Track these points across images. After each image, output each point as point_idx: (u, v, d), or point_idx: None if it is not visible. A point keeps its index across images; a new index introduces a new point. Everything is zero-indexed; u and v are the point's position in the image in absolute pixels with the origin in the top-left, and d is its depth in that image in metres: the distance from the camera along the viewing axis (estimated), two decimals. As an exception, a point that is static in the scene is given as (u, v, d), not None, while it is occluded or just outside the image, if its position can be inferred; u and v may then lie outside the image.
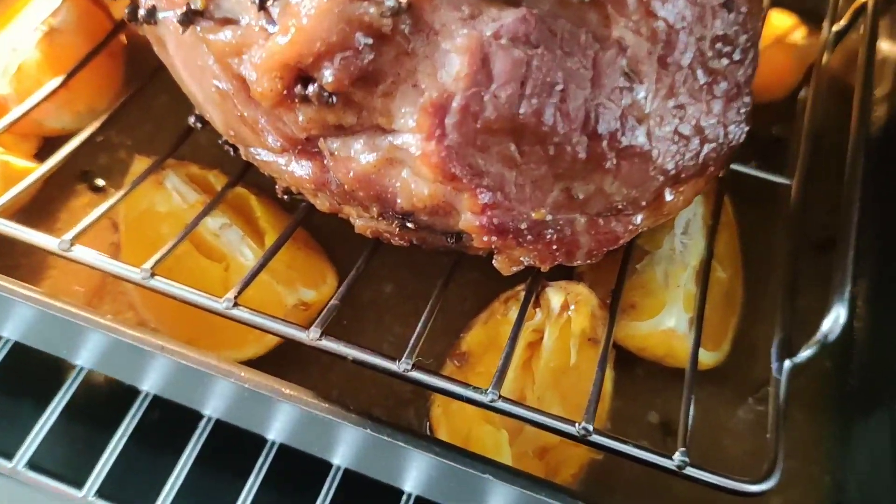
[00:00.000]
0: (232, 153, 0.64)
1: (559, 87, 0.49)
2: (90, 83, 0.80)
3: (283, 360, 0.69)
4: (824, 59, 0.83)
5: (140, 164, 0.73)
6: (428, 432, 0.68)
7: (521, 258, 0.58)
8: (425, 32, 0.49)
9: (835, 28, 0.86)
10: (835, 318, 0.60)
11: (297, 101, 0.53)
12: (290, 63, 0.50)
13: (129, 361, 0.65)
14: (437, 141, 0.50)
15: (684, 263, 0.71)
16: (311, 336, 0.60)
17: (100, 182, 0.80)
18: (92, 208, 0.67)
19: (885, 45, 0.89)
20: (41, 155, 0.78)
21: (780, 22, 0.93)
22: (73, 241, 0.63)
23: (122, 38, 0.86)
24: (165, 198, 0.70)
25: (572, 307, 0.66)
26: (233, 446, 0.68)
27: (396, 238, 0.62)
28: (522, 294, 0.70)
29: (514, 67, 0.48)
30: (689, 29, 0.50)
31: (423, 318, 0.62)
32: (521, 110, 0.49)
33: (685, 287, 0.69)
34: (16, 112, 0.72)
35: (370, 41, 0.49)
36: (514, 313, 0.69)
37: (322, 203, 0.62)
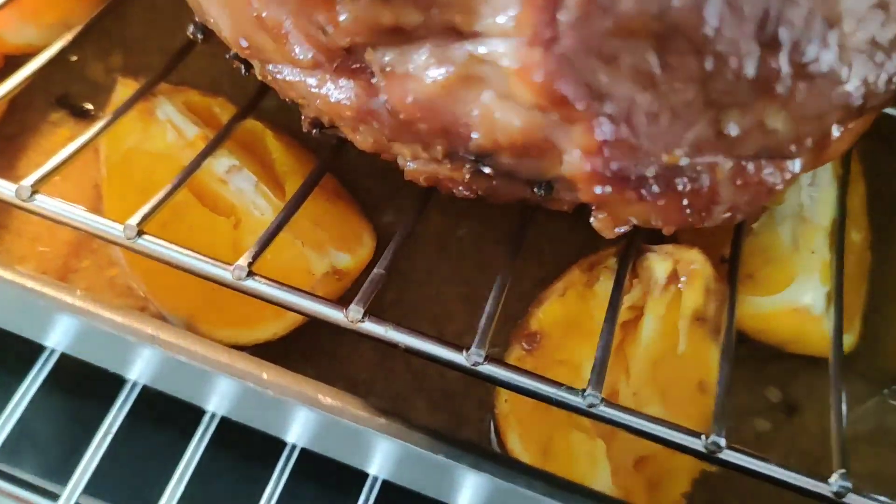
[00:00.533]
0: (243, 72, 0.49)
1: (733, -33, 0.33)
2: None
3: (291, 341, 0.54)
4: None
5: (124, 88, 0.58)
6: (493, 436, 0.54)
7: (632, 217, 0.43)
8: None
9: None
10: None
11: (338, -8, 0.37)
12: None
13: (111, 350, 0.50)
14: (545, 47, 0.35)
15: (815, 223, 0.56)
16: (351, 317, 0.45)
17: (87, 105, 0.64)
18: (65, 140, 0.53)
19: None
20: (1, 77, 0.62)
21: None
22: (34, 188, 0.47)
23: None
24: (158, 133, 0.54)
25: (683, 279, 0.52)
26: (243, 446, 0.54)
27: (462, 188, 0.47)
28: (611, 259, 0.55)
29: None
30: None
31: (491, 296, 0.47)
32: (675, 2, 0.33)
33: (820, 253, 0.54)
34: (-36, 21, 0.56)
35: None
36: (601, 285, 0.54)
37: (364, 139, 0.46)
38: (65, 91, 0.65)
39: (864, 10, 0.37)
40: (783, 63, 0.36)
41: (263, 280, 0.46)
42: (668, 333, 0.52)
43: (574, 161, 0.39)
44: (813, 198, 0.57)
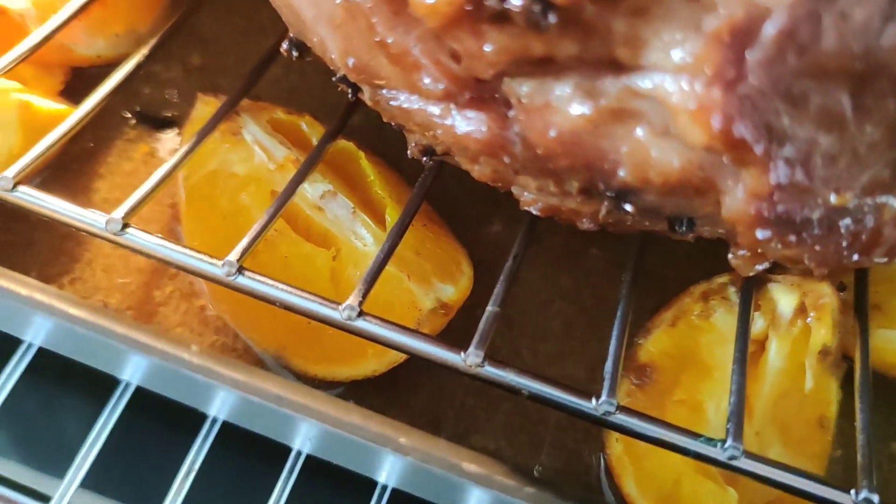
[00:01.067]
0: (350, 95, 0.45)
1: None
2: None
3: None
4: None
5: (205, 106, 0.54)
6: (604, 478, 0.51)
7: (783, 258, 0.40)
8: None
9: None
10: None
11: (487, 20, 0.34)
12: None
13: (190, 387, 0.47)
14: (727, 88, 0.31)
15: (943, 249, 0.52)
16: (470, 362, 0.42)
17: (167, 114, 0.61)
18: (145, 157, 0.49)
19: None
20: (68, 92, 0.59)
21: None
22: (126, 220, 0.44)
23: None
24: (244, 155, 0.51)
25: (812, 314, 0.48)
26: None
27: (587, 219, 0.44)
28: (728, 289, 0.52)
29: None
30: None
31: (614, 334, 0.45)
32: (884, 40, 0.30)
33: (952, 283, 0.51)
34: (37, 35, 0.53)
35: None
36: (719, 317, 0.51)
37: (483, 170, 0.43)
38: (142, 100, 0.61)
39: None
40: None
41: (374, 320, 0.43)
42: (792, 370, 0.49)
43: (737, 204, 0.36)
44: (937, 221, 0.53)
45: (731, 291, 0.51)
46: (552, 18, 0.33)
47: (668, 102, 0.33)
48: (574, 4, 0.31)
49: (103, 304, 0.52)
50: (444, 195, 0.57)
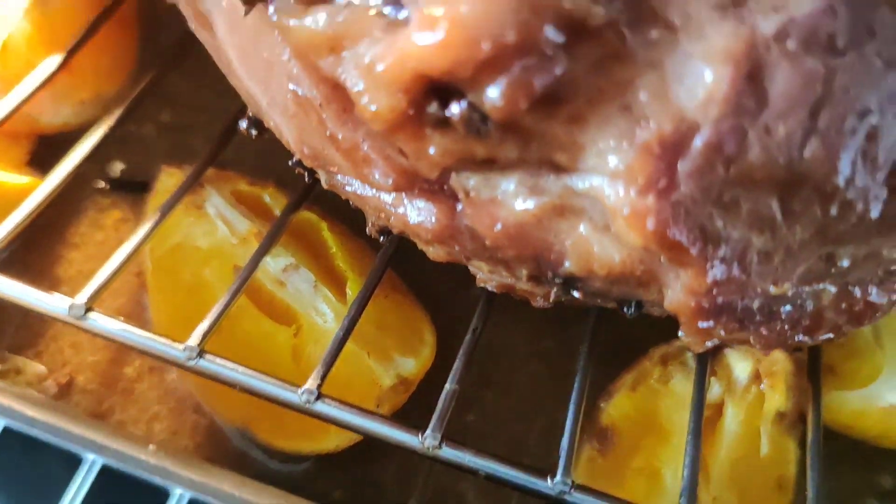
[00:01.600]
0: (307, 178, 0.46)
1: (872, 119, 0.31)
2: (96, 63, 0.61)
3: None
4: None
5: (168, 178, 0.55)
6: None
7: (733, 337, 0.41)
8: (654, 27, 0.30)
9: None
10: None
11: (429, 126, 0.35)
12: (432, 73, 0.31)
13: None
14: (659, 195, 0.32)
15: (896, 312, 0.53)
16: (427, 444, 0.43)
17: (138, 178, 0.61)
18: (117, 224, 0.50)
19: None
20: (36, 161, 0.60)
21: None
22: (89, 303, 0.45)
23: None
24: (207, 228, 0.52)
25: (765, 380, 0.49)
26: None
27: (540, 299, 0.44)
28: (685, 354, 0.53)
29: (804, 87, 0.30)
30: None
31: (571, 409, 0.45)
32: (807, 153, 0.31)
33: (905, 346, 0.52)
34: (3, 106, 0.53)
35: (563, 39, 0.30)
36: (677, 382, 0.52)
37: (437, 253, 0.44)
38: (111, 166, 0.62)
39: None
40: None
41: (333, 403, 0.43)
42: (749, 434, 0.50)
43: (678, 297, 0.37)
44: (891, 282, 0.54)
45: (689, 356, 0.52)
46: (492, 126, 0.33)
47: (607, 204, 0.34)
48: (509, 117, 0.32)
49: (71, 379, 0.52)
50: (410, 258, 0.58)
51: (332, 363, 0.44)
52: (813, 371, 0.49)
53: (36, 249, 0.58)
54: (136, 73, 0.64)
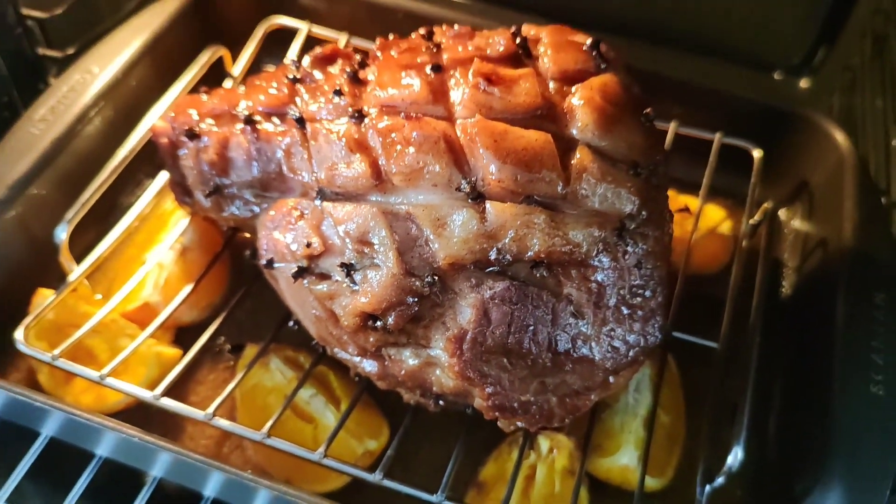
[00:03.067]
0: (320, 350, 0.95)
1: (531, 327, 0.79)
2: (209, 285, 1.12)
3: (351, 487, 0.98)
4: (744, 244, 1.13)
5: (251, 350, 1.04)
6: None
7: (517, 422, 0.87)
8: (449, 294, 0.80)
9: (751, 221, 1.16)
10: (734, 455, 0.88)
11: (369, 330, 0.84)
12: (366, 311, 0.81)
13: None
14: (458, 357, 0.80)
15: (635, 414, 1.00)
16: (376, 478, 0.89)
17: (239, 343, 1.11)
18: (225, 370, 0.99)
19: (795, 223, 1.21)
20: (178, 341, 1.10)
21: (713, 215, 1.24)
22: (214, 413, 0.93)
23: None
24: (271, 376, 1.00)
25: (555, 451, 0.95)
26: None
27: (431, 406, 0.92)
28: (521, 439, 0.99)
29: (503, 316, 0.78)
30: (612, 284, 0.81)
31: (451, 462, 0.92)
32: (509, 341, 0.79)
33: (636, 432, 0.98)
34: (164, 314, 1.04)
35: (415, 299, 0.80)
36: (516, 454, 0.98)
37: (381, 384, 0.92)
38: (219, 338, 1.11)
39: (602, 334, 0.82)
40: (564, 359, 0.81)
41: (332, 459, 0.90)
42: (550, 482, 0.95)
43: (479, 402, 0.84)
44: (636, 398, 1.01)
45: (521, 440, 0.98)
46: (393, 330, 0.82)
47: (441, 362, 0.82)
48: (398, 326, 0.81)
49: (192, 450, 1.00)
50: (374, 389, 1.06)
51: (332, 440, 0.91)
52: (584, 446, 0.94)
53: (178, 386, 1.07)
54: (228, 289, 1.15)
